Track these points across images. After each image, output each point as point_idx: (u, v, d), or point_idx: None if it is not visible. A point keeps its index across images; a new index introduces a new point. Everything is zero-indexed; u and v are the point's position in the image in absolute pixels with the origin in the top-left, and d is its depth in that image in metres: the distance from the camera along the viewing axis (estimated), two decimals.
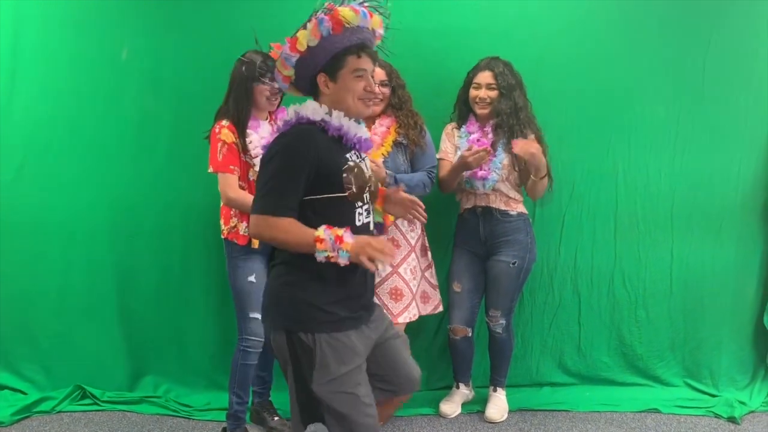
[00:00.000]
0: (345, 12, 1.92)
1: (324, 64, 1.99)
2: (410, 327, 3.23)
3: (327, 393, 1.96)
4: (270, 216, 1.90)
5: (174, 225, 3.28)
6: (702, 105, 3.35)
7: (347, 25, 1.93)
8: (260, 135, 2.76)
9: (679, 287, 3.49)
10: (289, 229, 1.90)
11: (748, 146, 3.40)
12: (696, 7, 3.31)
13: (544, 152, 2.99)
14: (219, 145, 2.68)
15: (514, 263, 3.07)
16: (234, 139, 2.69)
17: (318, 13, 1.94)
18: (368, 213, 2.08)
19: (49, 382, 3.34)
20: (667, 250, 3.44)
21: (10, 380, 3.33)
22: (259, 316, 2.82)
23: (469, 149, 2.95)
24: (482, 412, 3.28)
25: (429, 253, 3.15)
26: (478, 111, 3.05)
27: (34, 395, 3.27)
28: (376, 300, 2.78)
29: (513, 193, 3.08)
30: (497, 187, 3.04)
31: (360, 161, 2.06)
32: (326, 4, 1.96)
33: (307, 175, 1.91)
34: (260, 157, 2.71)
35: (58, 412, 3.23)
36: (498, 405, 3.26)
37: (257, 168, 2.73)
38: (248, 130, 2.73)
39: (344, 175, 1.96)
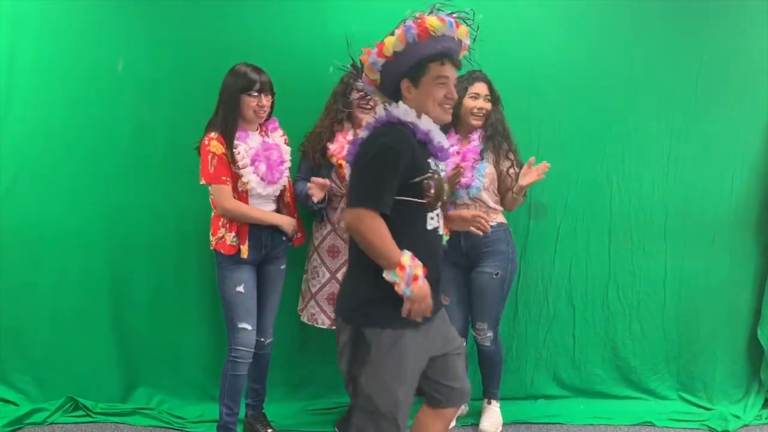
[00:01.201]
0: (432, 20, 1.99)
1: (408, 70, 2.06)
2: None
3: (372, 388, 2.02)
4: (370, 209, 1.94)
5: (168, 235, 3.27)
6: (695, 118, 3.38)
7: (433, 33, 2.00)
8: (249, 145, 2.76)
9: (672, 300, 3.50)
10: (384, 236, 1.97)
11: (741, 159, 3.42)
12: (689, 22, 3.34)
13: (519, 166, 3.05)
14: (209, 157, 2.68)
15: (496, 274, 3.07)
16: (223, 150, 2.69)
17: (407, 21, 2.01)
18: (438, 218, 2.14)
19: (41, 394, 3.31)
20: (660, 263, 3.46)
21: (2, 391, 3.30)
22: (248, 326, 2.83)
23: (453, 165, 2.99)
24: (476, 424, 3.28)
25: None
26: (474, 122, 3.05)
27: (25, 407, 3.25)
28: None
29: (493, 203, 3.09)
30: (479, 196, 3.05)
31: (438, 169, 2.11)
32: (417, 12, 2.03)
33: (402, 175, 1.99)
34: (247, 168, 2.73)
35: (50, 423, 3.21)
36: (492, 418, 3.26)
37: (244, 179, 2.75)
38: (236, 141, 2.73)
39: (425, 181, 2.02)
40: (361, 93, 2.90)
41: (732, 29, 3.34)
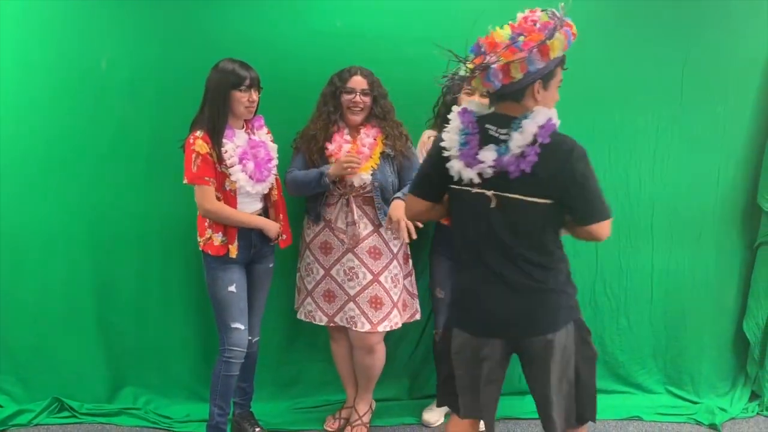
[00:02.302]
0: (573, 25, 2.04)
1: (546, 73, 2.05)
2: (393, 336, 3.24)
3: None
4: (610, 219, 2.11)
5: (153, 235, 3.24)
6: (681, 114, 3.38)
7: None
8: (236, 144, 2.73)
9: (659, 295, 3.51)
10: None
11: (727, 154, 3.43)
12: (674, 18, 3.34)
13: None
14: (193, 156, 2.64)
15: None
16: (208, 150, 2.66)
17: (555, 24, 2.00)
18: None
19: (27, 395, 3.28)
20: (647, 258, 3.46)
21: None
22: (240, 326, 2.82)
23: None
24: None
25: (410, 261, 3.15)
26: None
27: (10, 408, 3.22)
28: (355, 308, 2.90)
29: None
30: None
31: None
32: (555, 16, 2.03)
33: None
34: (236, 166, 2.70)
35: (36, 425, 3.18)
36: None
37: (233, 177, 2.72)
38: (224, 140, 2.70)
39: None
40: (353, 95, 2.89)
41: (718, 25, 3.34)
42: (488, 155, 2.03)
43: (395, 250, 3.02)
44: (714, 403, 3.46)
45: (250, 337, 2.92)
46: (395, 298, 3.01)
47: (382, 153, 2.95)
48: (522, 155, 1.99)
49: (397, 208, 2.82)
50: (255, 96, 2.73)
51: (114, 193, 3.21)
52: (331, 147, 2.92)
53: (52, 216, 3.21)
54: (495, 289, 2.12)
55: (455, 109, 2.19)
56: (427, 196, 2.25)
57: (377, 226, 2.97)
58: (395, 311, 3.01)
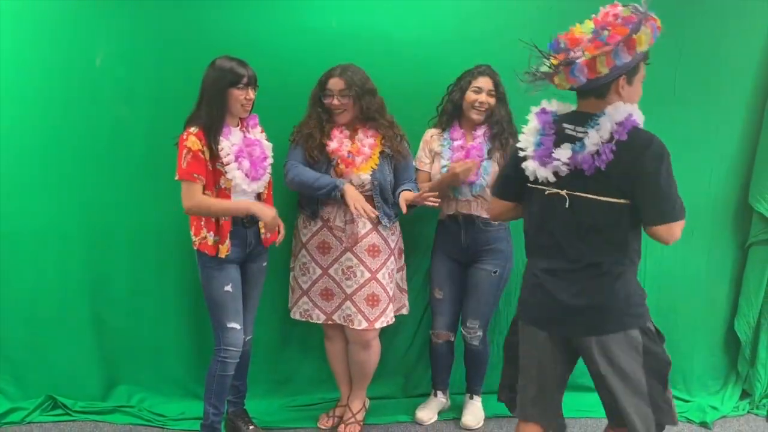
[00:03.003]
0: (657, 19, 2.01)
1: (631, 68, 2.05)
2: (387, 334, 3.24)
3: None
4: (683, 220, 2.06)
5: (148, 233, 3.23)
6: (674, 114, 3.38)
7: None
8: (231, 142, 2.72)
9: (652, 293, 3.44)
10: None
11: (719, 154, 3.46)
12: (668, 19, 3.33)
13: None
14: (184, 152, 2.62)
15: (495, 272, 3.09)
16: (200, 147, 2.63)
17: (640, 18, 1.98)
18: None
19: (20, 392, 3.26)
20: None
21: None
22: (237, 325, 2.80)
23: (457, 160, 2.97)
24: (458, 419, 3.30)
25: (403, 255, 3.17)
26: (475, 116, 3.04)
27: (3, 405, 3.20)
28: (351, 306, 2.91)
29: None
30: (481, 193, 3.05)
31: None
32: (638, 12, 2.00)
33: None
34: (232, 164, 2.70)
35: (29, 422, 3.17)
36: (474, 412, 3.28)
37: (229, 175, 2.71)
38: (220, 137, 2.68)
39: None
40: (330, 98, 2.90)
41: (711, 25, 3.36)
42: (563, 153, 2.05)
43: (392, 245, 3.04)
44: (705, 402, 3.49)
45: (243, 336, 2.92)
46: (391, 293, 3.03)
47: (381, 152, 2.97)
48: (597, 153, 2.00)
49: (407, 193, 2.94)
50: (252, 94, 2.73)
51: (108, 191, 3.20)
52: (332, 145, 2.94)
53: (46, 214, 3.20)
54: (558, 286, 2.12)
55: (533, 109, 2.20)
56: (507, 196, 2.30)
57: (376, 223, 2.98)
58: (390, 306, 3.03)
